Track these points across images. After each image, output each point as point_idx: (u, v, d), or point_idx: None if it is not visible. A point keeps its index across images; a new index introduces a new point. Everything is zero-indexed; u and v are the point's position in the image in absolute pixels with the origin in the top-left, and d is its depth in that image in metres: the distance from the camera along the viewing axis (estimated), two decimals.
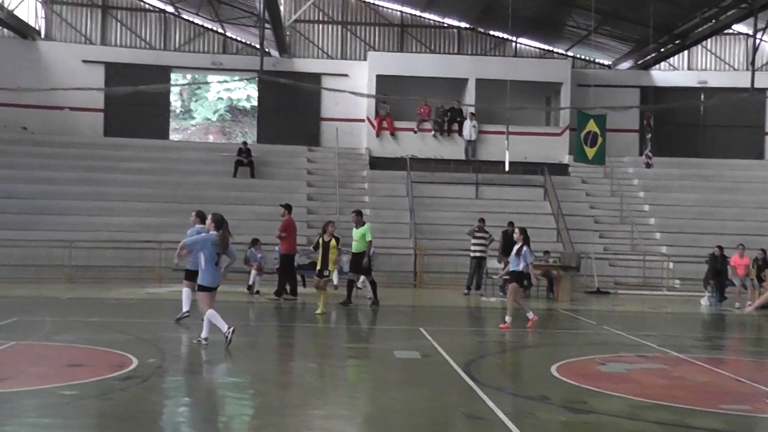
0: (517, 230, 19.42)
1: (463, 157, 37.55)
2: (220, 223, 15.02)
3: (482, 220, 27.56)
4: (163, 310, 19.92)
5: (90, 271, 28.33)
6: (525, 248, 18.82)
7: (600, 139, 31.34)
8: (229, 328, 14.80)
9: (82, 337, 15.71)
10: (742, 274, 27.03)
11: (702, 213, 34.72)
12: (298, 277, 26.13)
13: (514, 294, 18.84)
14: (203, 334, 15.11)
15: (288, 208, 24.15)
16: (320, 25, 40.68)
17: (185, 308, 18.32)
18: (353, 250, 22.65)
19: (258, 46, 36.36)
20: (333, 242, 20.77)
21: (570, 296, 26.37)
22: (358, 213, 23.27)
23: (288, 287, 23.65)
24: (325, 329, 19.00)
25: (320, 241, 21.00)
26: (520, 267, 18.80)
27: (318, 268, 20.76)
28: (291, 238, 23.76)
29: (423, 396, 11.47)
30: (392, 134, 37.83)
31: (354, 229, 22.74)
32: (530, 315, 18.77)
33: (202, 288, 14.97)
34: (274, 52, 38.92)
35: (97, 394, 11.02)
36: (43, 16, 39.29)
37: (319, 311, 20.19)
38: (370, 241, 22.61)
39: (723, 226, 33.06)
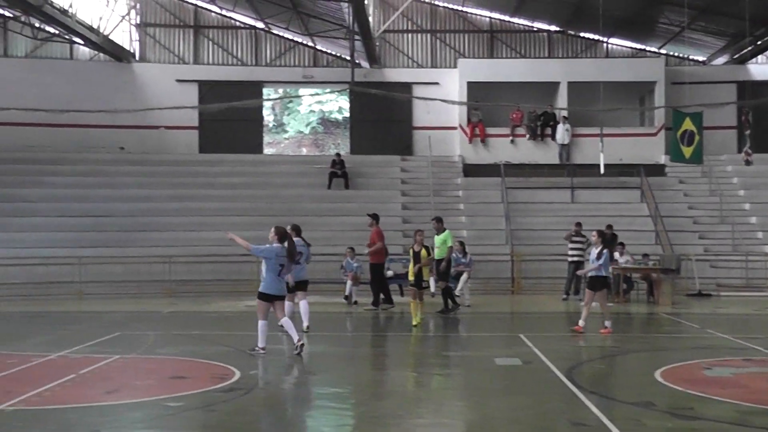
0: (594, 233, 19.18)
1: (557, 161, 37.16)
2: (283, 235, 15.57)
3: (579, 224, 27.20)
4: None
5: (189, 286, 28.78)
6: (605, 252, 18.57)
7: (697, 138, 30.70)
8: (262, 348, 15.18)
9: (184, 350, 15.97)
10: None
11: None
12: (396, 286, 26.20)
13: (602, 299, 18.57)
14: (259, 344, 15.32)
15: (375, 217, 24.18)
16: (409, 35, 40.74)
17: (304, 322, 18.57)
18: (435, 257, 22.57)
19: (348, 57, 36.65)
20: (424, 252, 20.26)
21: (671, 299, 25.83)
22: (439, 220, 23.21)
23: (382, 296, 23.67)
24: (424, 338, 18.94)
25: (411, 251, 20.57)
26: (603, 271, 18.55)
27: (411, 278, 20.17)
28: (380, 248, 23.79)
29: (526, 403, 11.37)
30: (482, 141, 37.65)
31: (435, 236, 22.72)
32: (582, 323, 18.39)
33: (261, 296, 15.37)
34: (365, 63, 39.10)
35: (201, 405, 11.17)
36: (137, 39, 40.16)
37: (415, 322, 19.75)
38: (451, 247, 22.56)
39: None
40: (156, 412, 10.87)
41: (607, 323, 18.41)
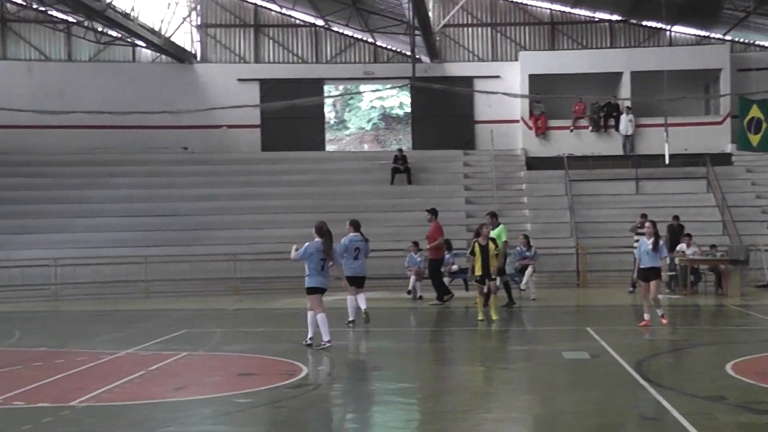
0: (648, 224, 18.86)
1: (621, 152, 36.76)
2: (319, 230, 16.04)
3: (644, 216, 26.83)
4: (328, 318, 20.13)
5: (254, 283, 28.97)
6: (662, 242, 18.30)
7: (764, 125, 30.22)
8: (329, 341, 15.37)
9: (251, 347, 16.09)
10: None
11: None
12: (461, 281, 26.17)
13: (654, 291, 18.14)
14: (325, 337, 15.52)
15: (434, 212, 24.13)
16: (470, 28, 40.58)
17: (351, 316, 18.58)
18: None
19: (409, 53, 36.63)
20: (492, 246, 19.81)
21: (740, 291, 25.42)
22: (493, 215, 23.08)
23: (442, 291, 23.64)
24: (490, 332, 18.84)
25: (476, 245, 19.79)
26: (659, 263, 18.23)
27: (479, 274, 19.74)
28: (440, 243, 23.74)
29: (595, 397, 11.26)
30: (542, 133, 37.38)
31: (491, 230, 22.64)
32: (647, 317, 18.06)
33: (310, 291, 15.72)
34: (425, 58, 39.02)
35: (270, 401, 11.25)
36: (199, 39, 40.53)
37: (495, 317, 19.41)
38: (506, 242, 22.36)
39: None
40: (225, 408, 10.96)
41: (647, 316, 18.05)
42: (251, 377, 13.15)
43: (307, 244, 15.93)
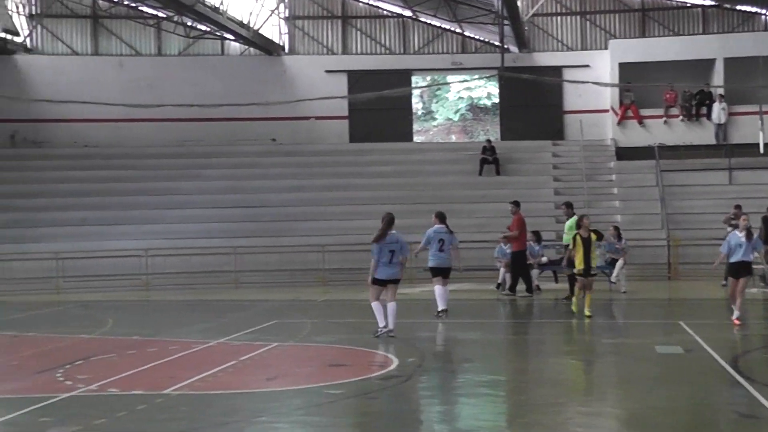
0: (744, 217, 17.98)
1: (713, 141, 35.99)
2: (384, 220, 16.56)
3: (738, 207, 26.25)
4: (415, 310, 20.15)
5: (342, 274, 29.07)
6: (756, 235, 17.68)
7: None
8: (384, 327, 15.79)
9: (341, 338, 16.22)
10: None
11: None
12: (550, 273, 25.97)
13: (742, 288, 17.38)
14: (389, 325, 15.89)
15: (517, 204, 24.01)
16: (558, 17, 40.15)
17: (440, 306, 18.57)
18: (564, 243, 22.21)
19: (497, 43, 36.37)
20: (594, 237, 19.16)
21: None
22: (569, 205, 22.88)
23: (524, 284, 23.46)
24: (580, 325, 18.63)
25: (578, 237, 19.00)
26: (751, 256, 17.51)
27: (581, 267, 18.80)
28: (521, 235, 23.61)
29: (689, 393, 11.10)
30: (640, 123, 36.81)
31: (566, 221, 22.43)
32: (736, 315, 17.39)
33: (374, 281, 16.09)
34: (514, 48, 38.70)
35: (361, 393, 11.31)
36: (287, 32, 40.82)
37: (587, 312, 18.72)
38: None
39: None
40: (317, 399, 11.04)
41: (738, 313, 17.40)
42: (342, 368, 13.24)
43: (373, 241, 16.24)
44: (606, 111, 37.44)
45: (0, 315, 22.42)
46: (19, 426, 10.30)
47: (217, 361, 13.79)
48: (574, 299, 19.51)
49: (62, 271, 29.09)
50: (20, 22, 38.08)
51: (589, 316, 18.54)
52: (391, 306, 15.95)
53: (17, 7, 37.64)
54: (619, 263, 24.61)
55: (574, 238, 19.18)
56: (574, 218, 22.01)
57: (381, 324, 15.95)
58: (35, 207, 32.72)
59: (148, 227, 31.55)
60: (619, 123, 36.85)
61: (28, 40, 38.76)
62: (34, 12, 39.05)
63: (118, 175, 35.17)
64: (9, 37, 35.50)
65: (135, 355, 14.89)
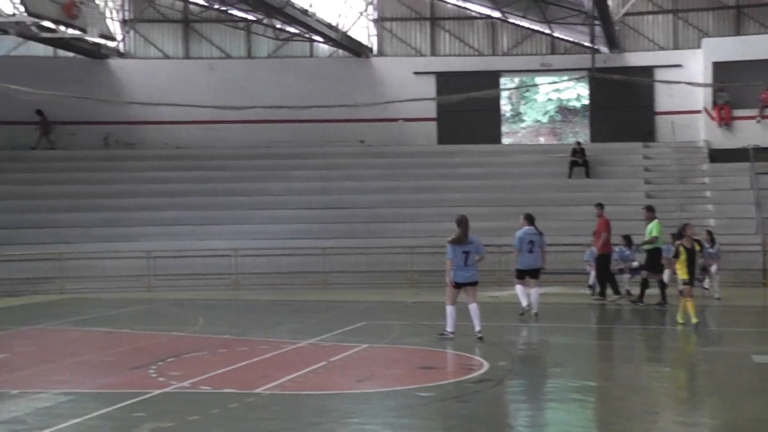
0: None
1: None
2: (458, 224, 16.97)
3: None
4: (504, 313, 20.05)
5: (431, 276, 28.86)
6: None
7: None
8: (451, 332, 15.92)
9: (431, 340, 16.15)
10: None
11: None
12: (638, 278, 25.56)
13: None
14: (476, 327, 15.92)
15: (601, 206, 23.77)
16: (650, 16, 39.51)
17: (523, 303, 18.57)
18: (645, 248, 21.87)
19: (587, 43, 35.97)
20: (698, 246, 18.65)
21: None
22: (649, 209, 22.53)
23: (610, 288, 23.14)
24: (672, 331, 18.28)
25: (681, 248, 18.30)
26: None
27: (685, 278, 18.11)
28: (603, 237, 23.28)
29: None
30: (726, 124, 36.06)
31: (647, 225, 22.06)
32: None
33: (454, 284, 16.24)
34: (604, 49, 38.21)
35: (452, 396, 11.28)
36: (375, 33, 40.91)
37: (694, 320, 17.90)
38: (655, 237, 21.65)
39: None
40: (408, 401, 11.04)
41: None
42: (433, 371, 13.24)
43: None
44: (698, 112, 36.74)
45: (94, 312, 22.93)
46: (115, 420, 10.53)
47: (308, 361, 13.88)
48: (678, 311, 18.96)
49: (153, 269, 29.56)
50: (114, 28, 38.88)
51: (697, 323, 17.90)
52: (473, 308, 16.04)
53: (111, 13, 38.43)
54: (713, 269, 24.11)
55: (677, 249, 18.50)
56: (655, 222, 21.71)
57: (449, 329, 16.01)
58: (127, 207, 33.32)
59: (238, 227, 31.90)
60: (720, 125, 36.08)
61: (121, 45, 39.55)
62: (127, 18, 39.86)
63: (209, 175, 35.62)
64: (103, 42, 36.25)
65: (226, 354, 15.08)
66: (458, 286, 16.23)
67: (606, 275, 23.29)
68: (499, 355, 14.37)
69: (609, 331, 19.49)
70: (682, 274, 18.26)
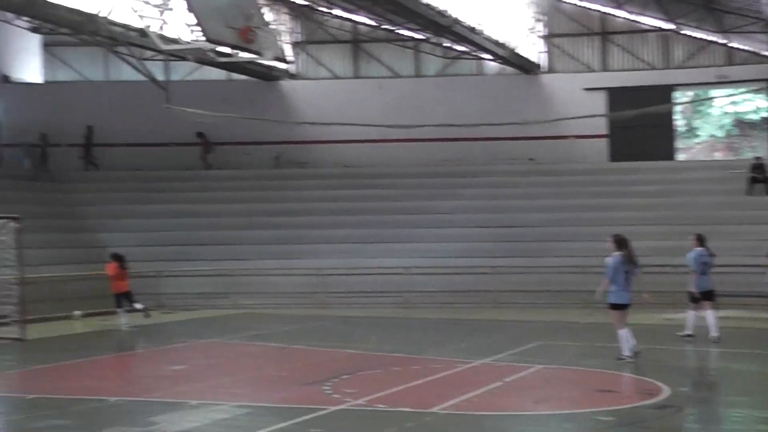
0: None
1: None
2: (620, 243, 15.84)
3: None
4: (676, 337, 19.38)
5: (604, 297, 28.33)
6: None
7: None
8: (629, 355, 15.36)
9: (607, 363, 15.75)
10: None
11: None
12: None
13: None
14: (624, 352, 15.46)
15: None
16: None
17: (689, 330, 18.06)
18: None
19: (766, 53, 34.61)
20: None
21: None
22: None
23: None
24: None
25: None
26: None
27: None
28: None
29: None
30: None
31: None
32: None
33: (613, 306, 15.76)
34: None
35: (633, 421, 10.98)
36: (545, 50, 40.53)
37: None
38: None
39: None
40: (587, 425, 10.80)
41: None
42: (611, 394, 12.90)
43: (609, 259, 15.81)
44: None
45: (267, 327, 23.45)
46: None
47: (482, 381, 13.78)
48: None
49: (325, 286, 30.03)
50: (286, 50, 39.78)
51: None
52: (623, 332, 15.64)
53: (283, 36, 39.34)
54: None
55: None
56: None
57: (626, 353, 15.57)
58: (299, 225, 34.01)
59: (409, 245, 32.08)
60: None
61: (292, 66, 40.44)
62: (298, 40, 40.77)
63: (379, 194, 35.99)
64: (276, 64, 37.12)
65: (400, 372, 15.12)
66: (624, 307, 15.81)
67: None
68: (679, 381, 13.91)
69: None
70: None
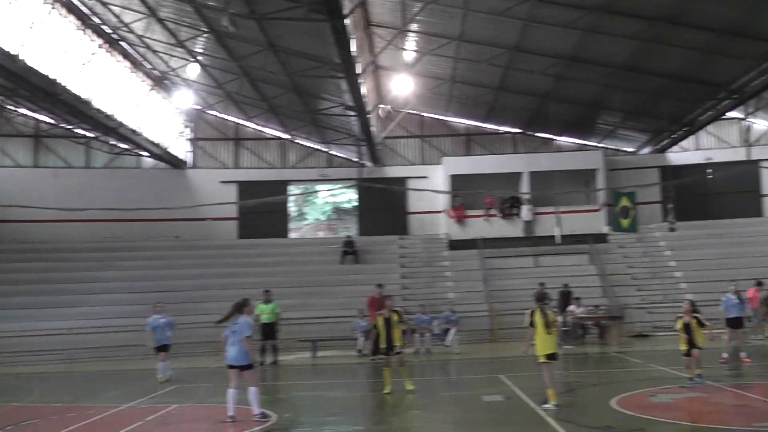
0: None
1: (522, 234, 36.89)
2: (239, 306, 13.19)
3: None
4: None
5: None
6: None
7: (632, 212, 30.57)
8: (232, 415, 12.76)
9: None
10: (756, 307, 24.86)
11: (719, 264, 32.44)
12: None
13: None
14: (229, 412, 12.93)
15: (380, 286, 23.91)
16: (404, 140, 40.80)
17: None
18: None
19: (356, 159, 36.76)
20: (395, 317, 15.87)
21: (618, 340, 25.43)
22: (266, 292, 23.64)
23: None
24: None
25: (381, 319, 15.94)
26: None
27: (383, 346, 15.83)
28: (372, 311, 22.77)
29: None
30: (461, 221, 37.36)
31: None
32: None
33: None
34: (369, 163, 39.18)
35: None
36: (190, 150, 40.30)
37: (386, 391, 15.51)
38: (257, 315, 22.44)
39: (737, 273, 30.82)
40: None
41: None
42: (233, 424, 12.62)
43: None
44: (440, 212, 38.04)
45: None
46: None
47: (127, 422, 12.98)
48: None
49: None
50: None
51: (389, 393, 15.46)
52: (252, 391, 12.81)
53: None
54: (452, 330, 24.74)
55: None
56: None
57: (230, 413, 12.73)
58: None
59: (75, 309, 30.18)
60: (456, 222, 37.32)
61: None
62: None
63: (50, 266, 33.81)
64: None
65: (58, 420, 13.94)
66: (233, 367, 12.92)
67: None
68: (286, 409, 13.92)
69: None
70: (382, 343, 15.88)
